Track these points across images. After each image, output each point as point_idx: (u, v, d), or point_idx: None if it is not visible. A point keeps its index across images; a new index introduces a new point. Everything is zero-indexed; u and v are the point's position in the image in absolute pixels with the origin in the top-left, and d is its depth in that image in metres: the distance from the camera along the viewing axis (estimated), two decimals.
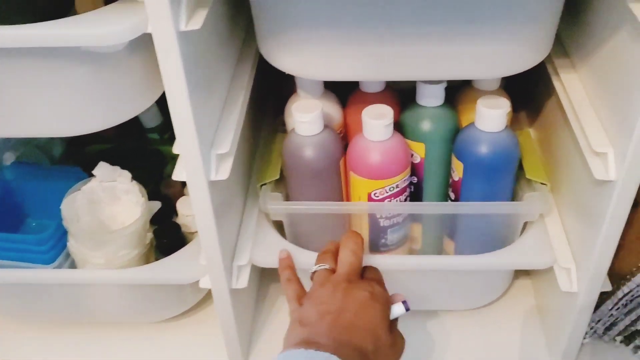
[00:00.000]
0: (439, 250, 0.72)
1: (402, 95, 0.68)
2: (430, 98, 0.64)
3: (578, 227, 0.61)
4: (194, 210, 0.56)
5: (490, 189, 0.64)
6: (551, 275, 0.63)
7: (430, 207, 0.68)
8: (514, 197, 0.68)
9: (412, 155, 0.66)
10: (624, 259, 0.66)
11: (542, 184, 0.66)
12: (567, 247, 0.63)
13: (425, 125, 0.65)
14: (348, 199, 0.67)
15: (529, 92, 0.76)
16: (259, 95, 0.73)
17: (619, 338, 0.71)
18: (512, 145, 0.62)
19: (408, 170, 0.64)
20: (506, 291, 0.76)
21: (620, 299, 0.65)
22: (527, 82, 0.71)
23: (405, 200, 0.66)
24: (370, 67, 0.56)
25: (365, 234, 0.67)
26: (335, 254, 0.58)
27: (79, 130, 0.53)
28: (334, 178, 0.65)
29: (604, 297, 0.66)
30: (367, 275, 0.57)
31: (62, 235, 0.68)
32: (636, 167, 0.50)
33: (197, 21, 0.47)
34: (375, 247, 0.68)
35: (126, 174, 0.68)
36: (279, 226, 0.68)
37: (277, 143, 0.71)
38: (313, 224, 0.67)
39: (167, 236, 0.70)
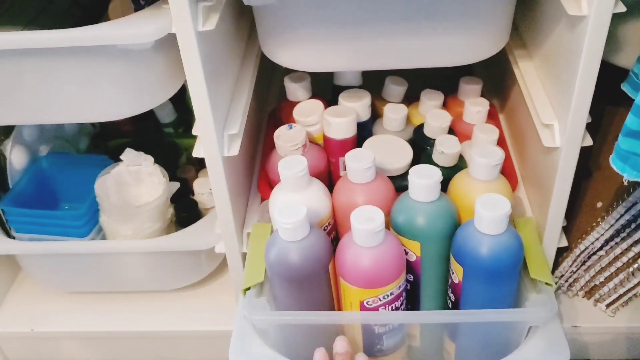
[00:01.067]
0: (439, 349, 0.68)
1: (394, 181, 0.67)
2: (426, 194, 0.60)
3: (536, 192, 0.71)
4: (211, 183, 0.67)
5: (493, 294, 0.61)
6: None
7: (426, 317, 0.64)
8: (518, 297, 0.64)
9: (406, 253, 0.62)
10: (580, 220, 0.76)
11: (547, 284, 0.62)
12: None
13: (420, 223, 0.60)
14: (339, 303, 0.64)
15: (499, 84, 0.86)
16: (262, 85, 0.83)
17: (581, 293, 0.81)
18: (515, 247, 0.59)
19: (403, 275, 0.61)
20: None
21: (578, 256, 0.76)
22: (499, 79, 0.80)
23: (401, 304, 0.62)
24: (350, 59, 0.65)
25: (359, 340, 0.64)
26: None
27: (112, 116, 0.64)
28: (323, 284, 0.62)
29: (563, 254, 0.76)
30: None
31: (94, 212, 0.78)
32: (575, 136, 0.60)
33: (212, 23, 0.57)
34: (371, 352, 0.64)
35: (149, 158, 0.79)
36: None
37: (262, 240, 0.65)
38: (302, 332, 0.64)
39: (185, 210, 0.80)
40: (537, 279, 0.62)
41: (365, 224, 0.56)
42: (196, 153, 0.65)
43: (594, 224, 0.73)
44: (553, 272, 0.77)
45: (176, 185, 0.80)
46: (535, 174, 0.71)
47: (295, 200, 0.59)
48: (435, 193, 0.61)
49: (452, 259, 0.61)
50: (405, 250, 0.62)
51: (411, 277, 0.65)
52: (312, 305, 0.62)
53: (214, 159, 0.64)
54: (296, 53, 0.65)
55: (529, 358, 0.59)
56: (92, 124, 0.96)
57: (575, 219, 0.76)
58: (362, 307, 0.60)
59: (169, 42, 0.57)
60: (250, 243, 0.68)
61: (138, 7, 0.62)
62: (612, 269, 0.75)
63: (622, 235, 0.73)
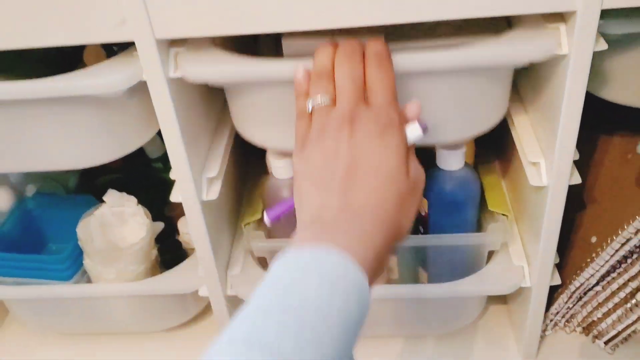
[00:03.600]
0: (415, 279, 0.76)
1: None
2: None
3: (528, 230, 0.69)
4: (190, 227, 0.65)
5: (454, 222, 0.70)
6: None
7: None
8: (479, 227, 0.73)
9: None
10: (575, 255, 0.74)
11: (503, 214, 0.71)
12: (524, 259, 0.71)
13: None
14: None
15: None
16: None
17: (579, 329, 0.78)
18: (470, 181, 0.68)
19: None
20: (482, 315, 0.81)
21: (573, 292, 0.73)
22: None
23: None
24: None
25: None
26: (332, 74, 0.49)
27: (90, 163, 0.63)
28: None
29: (558, 290, 0.74)
30: (371, 95, 0.48)
31: (78, 254, 0.77)
32: (562, 174, 0.58)
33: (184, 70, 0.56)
34: None
35: (132, 199, 0.77)
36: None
37: (261, 184, 0.77)
38: None
39: (169, 252, 0.79)
40: (494, 211, 0.71)
41: None
42: (173, 198, 0.63)
43: (589, 260, 0.70)
44: (548, 308, 0.75)
45: (160, 225, 0.78)
46: (527, 213, 0.69)
47: None
48: None
49: None
50: None
51: None
52: None
53: (192, 203, 0.63)
54: (264, 136, 0.62)
55: (487, 277, 0.68)
56: None
57: (570, 254, 0.74)
58: None
59: (143, 88, 0.56)
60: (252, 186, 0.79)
61: (111, 53, 0.61)
62: (610, 304, 0.73)
63: (619, 270, 0.70)
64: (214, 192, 0.64)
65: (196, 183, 0.62)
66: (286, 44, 0.59)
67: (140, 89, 0.57)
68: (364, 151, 0.45)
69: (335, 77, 0.48)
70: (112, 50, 0.63)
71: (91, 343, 0.83)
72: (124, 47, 0.58)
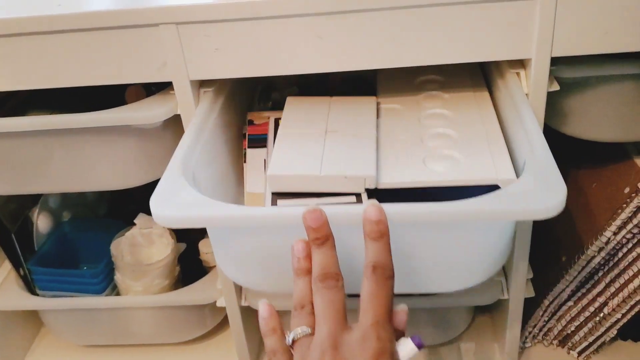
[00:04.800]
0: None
1: None
2: None
3: None
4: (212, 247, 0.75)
5: None
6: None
7: None
8: None
9: None
10: (548, 273, 0.83)
11: None
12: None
13: None
14: None
15: None
16: None
17: (555, 342, 0.87)
18: None
19: None
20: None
21: (548, 307, 0.82)
22: None
23: None
24: None
25: None
26: (311, 304, 0.46)
27: (127, 185, 0.74)
28: None
29: (534, 304, 0.83)
30: (360, 316, 0.44)
31: (110, 271, 0.87)
32: None
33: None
34: None
35: None
36: None
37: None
38: None
39: (191, 270, 0.89)
40: None
41: None
42: None
43: (560, 277, 0.80)
44: (526, 321, 0.84)
45: (183, 246, 0.89)
46: None
47: None
48: None
49: None
50: None
51: None
52: None
53: None
54: None
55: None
56: (111, 192, 1.06)
57: (544, 271, 0.83)
58: None
59: (176, 121, 0.67)
60: None
61: (150, 92, 0.73)
62: (582, 318, 0.82)
63: (587, 286, 0.80)
64: None
65: None
66: (289, 101, 0.71)
67: (174, 122, 0.68)
68: None
69: (314, 306, 0.45)
70: (150, 90, 0.75)
71: (118, 355, 0.93)
72: (160, 88, 0.70)
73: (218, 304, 0.82)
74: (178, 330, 0.90)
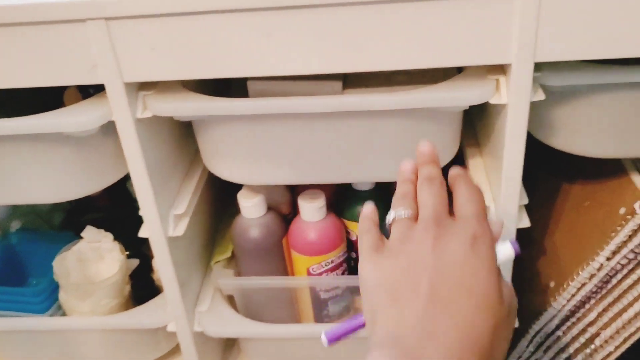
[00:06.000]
0: None
1: None
2: (363, 182, 0.73)
3: None
4: (157, 263, 0.68)
5: None
6: None
7: (356, 280, 0.72)
8: None
9: (349, 233, 0.75)
10: (535, 300, 0.75)
11: None
12: None
13: (359, 207, 0.69)
14: (293, 275, 0.75)
15: None
16: None
17: None
18: None
19: (342, 246, 0.74)
20: None
21: (534, 337, 0.75)
22: None
23: (343, 274, 0.75)
24: (282, 176, 0.64)
25: (308, 306, 0.76)
26: (415, 197, 0.46)
27: (64, 197, 0.66)
28: (278, 255, 0.74)
29: (519, 334, 0.76)
30: (459, 210, 0.44)
31: (54, 289, 0.79)
32: (509, 218, 0.61)
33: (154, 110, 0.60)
34: (320, 318, 0.76)
35: (109, 235, 0.80)
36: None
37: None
38: (260, 297, 0.75)
39: (142, 287, 0.81)
40: None
41: (309, 202, 0.70)
42: (142, 233, 0.66)
43: (547, 304, 0.72)
44: (510, 352, 0.76)
45: (135, 262, 0.81)
46: None
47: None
48: (371, 183, 0.74)
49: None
50: (347, 230, 0.75)
51: (354, 255, 0.77)
52: (269, 275, 0.74)
53: (158, 239, 0.66)
54: (234, 171, 0.65)
55: None
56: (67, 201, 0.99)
57: (531, 299, 0.75)
58: (308, 274, 0.73)
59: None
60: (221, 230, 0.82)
61: (86, 95, 0.65)
62: (571, 350, 0.74)
63: (577, 315, 0.72)
64: (180, 228, 0.67)
65: (163, 219, 0.65)
66: (251, 85, 0.64)
67: (113, 129, 0.61)
68: (453, 262, 0.39)
69: (418, 197, 0.45)
70: (88, 93, 0.68)
71: None
72: (99, 90, 0.62)
73: (169, 329, 0.74)
74: (130, 353, 0.82)
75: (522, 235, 0.74)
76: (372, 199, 0.73)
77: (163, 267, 0.68)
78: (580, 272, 0.68)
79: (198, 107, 0.58)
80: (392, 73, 0.66)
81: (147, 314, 0.76)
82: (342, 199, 0.76)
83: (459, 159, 0.72)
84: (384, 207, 0.72)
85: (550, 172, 0.85)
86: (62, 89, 0.71)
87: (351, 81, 0.65)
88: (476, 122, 0.74)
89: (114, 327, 0.77)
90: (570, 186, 0.78)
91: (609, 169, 0.71)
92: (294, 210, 0.76)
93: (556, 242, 0.76)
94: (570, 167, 0.80)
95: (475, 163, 0.69)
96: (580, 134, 0.62)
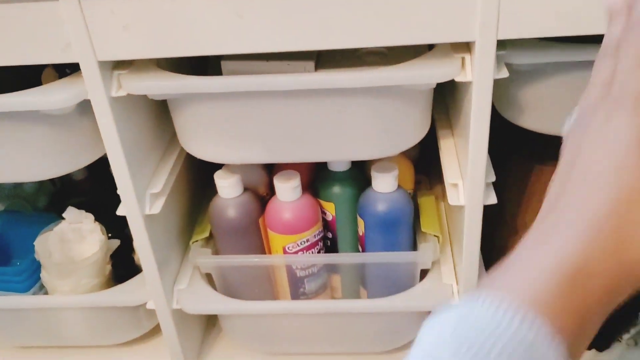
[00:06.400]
0: (357, 297, 0.80)
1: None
2: (338, 163, 0.74)
3: (457, 250, 0.73)
4: (135, 241, 0.69)
5: (389, 242, 0.73)
6: None
7: (333, 258, 0.78)
8: (415, 248, 0.76)
9: (324, 213, 0.77)
10: None
11: (435, 235, 0.75)
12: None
13: (334, 188, 0.75)
14: (269, 254, 0.77)
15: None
16: None
17: None
18: (403, 203, 0.72)
19: (318, 226, 0.75)
20: None
21: None
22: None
23: (319, 252, 0.76)
24: (262, 154, 0.65)
25: (285, 284, 0.77)
26: None
27: (41, 176, 0.68)
28: (254, 235, 0.75)
29: None
30: None
31: (36, 268, 0.81)
32: (476, 194, 0.62)
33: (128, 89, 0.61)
34: (296, 295, 0.78)
35: (90, 217, 0.82)
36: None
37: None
38: (238, 275, 0.76)
39: (122, 267, 0.82)
40: (426, 232, 0.75)
41: (285, 182, 0.71)
42: (119, 212, 0.67)
43: None
44: None
45: (116, 242, 0.82)
46: (455, 233, 0.73)
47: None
48: (347, 164, 0.75)
49: (357, 216, 0.74)
50: (323, 211, 0.76)
51: (330, 235, 0.79)
52: (246, 253, 0.75)
53: (135, 217, 0.67)
54: (210, 150, 0.66)
55: (416, 294, 0.72)
56: (52, 183, 1.00)
57: None
58: (285, 252, 0.74)
59: None
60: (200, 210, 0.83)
61: (63, 75, 0.66)
62: None
63: None
64: (157, 207, 0.68)
65: (139, 198, 0.66)
66: (224, 64, 0.65)
67: (92, 108, 0.62)
68: None
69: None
70: (65, 72, 0.68)
71: (51, 356, 0.86)
72: (76, 70, 0.63)
73: (148, 307, 0.76)
74: (111, 331, 0.84)
75: (494, 214, 0.75)
76: (347, 179, 0.76)
77: (140, 245, 0.69)
78: None
79: (171, 85, 0.59)
80: (364, 54, 0.68)
81: (126, 292, 0.77)
82: (318, 180, 0.77)
83: (432, 139, 0.74)
84: (359, 187, 0.75)
85: (524, 155, 0.86)
86: (40, 71, 0.72)
87: (324, 62, 0.67)
88: (449, 103, 0.75)
89: (93, 305, 0.78)
90: (543, 167, 0.79)
91: None
92: (272, 191, 0.77)
93: (527, 221, 0.77)
94: (543, 148, 0.82)
95: (447, 142, 0.71)
96: (547, 112, 0.64)
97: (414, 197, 0.81)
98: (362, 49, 0.69)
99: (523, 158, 0.86)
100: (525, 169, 0.83)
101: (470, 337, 0.27)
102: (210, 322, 0.90)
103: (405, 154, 0.80)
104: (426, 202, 0.80)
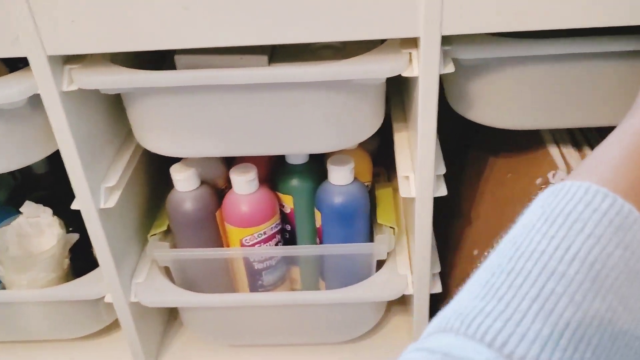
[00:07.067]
0: (316, 289, 0.81)
1: None
2: (296, 156, 0.76)
3: (412, 241, 0.74)
4: (90, 235, 0.69)
5: (346, 234, 0.75)
6: None
7: (286, 250, 0.79)
8: (372, 240, 0.77)
9: (283, 206, 0.78)
10: (460, 268, 0.79)
11: (390, 227, 0.76)
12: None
13: (292, 181, 0.76)
14: (227, 247, 0.77)
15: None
16: None
17: None
18: (359, 195, 0.73)
19: (275, 219, 0.76)
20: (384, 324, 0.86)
21: None
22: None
23: (276, 244, 0.77)
24: (218, 147, 0.66)
25: (243, 277, 0.78)
26: None
27: None
28: (211, 228, 0.75)
29: (443, 300, 0.79)
30: None
31: None
32: (426, 186, 0.63)
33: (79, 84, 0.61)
34: (254, 288, 0.79)
35: (48, 210, 0.81)
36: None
37: None
38: (195, 269, 0.77)
39: (83, 262, 0.82)
40: (382, 224, 0.76)
41: (241, 175, 0.72)
42: (74, 206, 0.67)
43: (471, 272, 0.75)
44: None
45: (75, 236, 0.82)
46: (410, 225, 0.74)
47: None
48: (304, 157, 0.76)
49: (315, 209, 0.75)
50: (281, 203, 0.77)
51: (289, 227, 0.80)
52: (204, 247, 0.76)
53: (89, 211, 0.67)
54: (165, 144, 0.66)
55: (372, 285, 0.74)
56: (13, 176, 0.99)
57: (456, 266, 0.79)
58: (242, 245, 0.75)
59: None
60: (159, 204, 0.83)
61: (15, 69, 0.66)
62: None
63: None
64: (112, 201, 0.68)
65: (93, 192, 0.66)
66: (178, 59, 0.65)
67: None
68: None
69: None
70: (17, 67, 0.68)
71: (8, 351, 0.86)
72: (27, 64, 0.63)
73: (106, 300, 0.76)
74: (71, 325, 0.84)
75: (449, 207, 0.77)
76: (305, 172, 0.77)
77: (96, 239, 0.69)
78: (499, 240, 0.71)
79: (121, 79, 0.59)
80: (319, 48, 0.68)
81: (84, 286, 0.77)
82: (276, 173, 0.78)
83: (388, 133, 0.75)
84: (317, 180, 0.76)
85: (479, 149, 0.88)
86: None
87: (279, 56, 0.67)
88: (405, 98, 0.76)
89: (50, 299, 0.78)
90: (496, 160, 0.81)
91: (530, 142, 0.75)
92: (230, 185, 0.77)
93: (481, 213, 0.79)
94: (497, 142, 0.83)
95: (401, 136, 0.72)
96: (494, 106, 0.65)
97: (371, 190, 0.83)
98: (316, 43, 0.69)
99: (478, 151, 0.88)
100: (479, 161, 0.85)
101: (558, 219, 0.30)
102: (172, 316, 0.90)
103: (363, 146, 0.82)
104: (383, 195, 0.82)
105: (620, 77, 0.60)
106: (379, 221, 0.77)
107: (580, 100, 0.63)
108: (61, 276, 0.80)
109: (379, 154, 0.88)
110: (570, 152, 0.70)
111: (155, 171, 0.84)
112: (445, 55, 0.58)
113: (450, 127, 0.73)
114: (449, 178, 0.67)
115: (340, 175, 0.72)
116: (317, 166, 0.77)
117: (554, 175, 0.67)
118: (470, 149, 0.92)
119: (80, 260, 0.84)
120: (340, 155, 0.74)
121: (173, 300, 0.77)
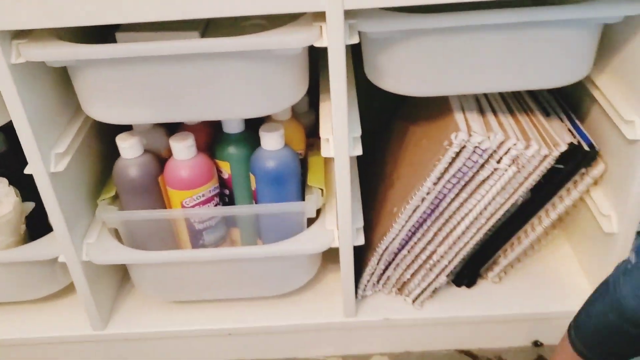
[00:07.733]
0: None
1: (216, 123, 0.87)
2: (232, 126, 0.84)
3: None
4: (42, 198, 0.76)
5: (277, 195, 0.83)
6: None
7: (223, 210, 0.86)
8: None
9: (221, 172, 0.86)
10: (382, 225, 0.87)
11: (319, 188, 0.85)
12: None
13: (229, 148, 0.84)
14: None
15: None
16: None
17: (394, 290, 0.92)
18: (289, 159, 0.81)
19: (212, 182, 0.83)
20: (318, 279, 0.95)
21: (382, 255, 0.87)
22: None
23: (215, 206, 0.85)
24: (147, 115, 0.73)
25: (185, 237, 0.86)
26: None
27: None
28: (155, 192, 0.83)
29: (369, 254, 0.88)
30: None
31: None
32: (342, 147, 0.72)
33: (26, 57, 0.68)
34: (196, 247, 0.86)
35: (4, 181, 0.88)
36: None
37: None
38: (141, 230, 0.85)
39: (35, 225, 0.89)
40: (312, 185, 0.85)
41: (179, 142, 0.79)
42: (27, 170, 0.74)
43: (390, 227, 0.84)
44: (363, 269, 0.88)
45: (31, 205, 0.89)
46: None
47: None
48: (240, 126, 0.84)
49: (250, 173, 0.83)
50: (219, 169, 0.86)
51: (227, 192, 0.88)
52: (148, 209, 0.83)
53: (40, 175, 0.74)
54: (109, 112, 0.73)
55: (301, 239, 0.82)
56: None
57: (379, 224, 0.87)
58: (183, 207, 0.83)
59: None
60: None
61: None
62: (415, 266, 0.87)
63: (418, 235, 0.84)
64: (61, 165, 0.75)
65: (44, 157, 0.73)
66: (119, 36, 0.72)
67: None
68: None
69: None
70: None
71: None
72: None
73: (60, 260, 0.83)
74: (28, 287, 0.90)
75: (379, 169, 0.84)
76: (240, 141, 0.84)
77: (47, 201, 0.76)
78: (413, 197, 0.80)
79: (64, 52, 0.66)
80: (247, 26, 0.76)
81: (38, 248, 0.84)
82: (214, 141, 0.86)
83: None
84: (252, 148, 0.84)
85: (403, 118, 0.97)
86: None
87: (210, 34, 0.75)
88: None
89: (6, 260, 0.85)
90: (415, 127, 0.90)
91: (441, 110, 0.83)
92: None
93: (400, 174, 0.88)
94: (416, 111, 0.92)
95: (325, 105, 0.80)
96: (399, 75, 0.74)
97: (305, 157, 0.91)
98: (245, 22, 0.77)
99: (401, 120, 0.97)
100: (402, 129, 0.94)
101: None
102: (126, 278, 0.97)
103: (298, 119, 0.90)
104: (315, 161, 0.90)
105: (505, 47, 0.69)
106: (309, 183, 0.85)
107: (472, 69, 0.72)
108: (18, 240, 0.87)
109: (315, 126, 0.96)
110: (473, 117, 0.80)
111: (108, 142, 0.91)
112: (351, 28, 0.66)
113: (385, 99, 0.82)
114: (383, 147, 0.75)
115: (271, 141, 0.80)
116: (252, 135, 0.85)
117: (456, 136, 0.75)
118: (397, 118, 1.00)
119: (39, 228, 0.91)
120: (272, 123, 0.82)
121: (120, 259, 0.84)
